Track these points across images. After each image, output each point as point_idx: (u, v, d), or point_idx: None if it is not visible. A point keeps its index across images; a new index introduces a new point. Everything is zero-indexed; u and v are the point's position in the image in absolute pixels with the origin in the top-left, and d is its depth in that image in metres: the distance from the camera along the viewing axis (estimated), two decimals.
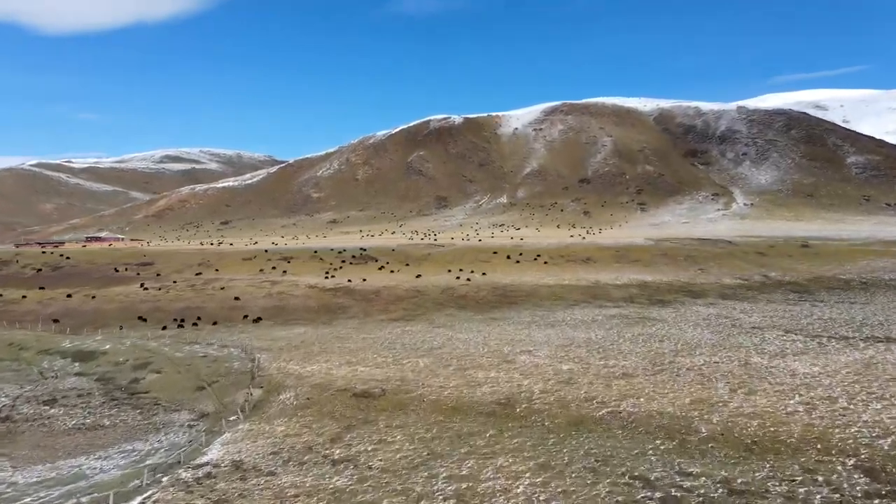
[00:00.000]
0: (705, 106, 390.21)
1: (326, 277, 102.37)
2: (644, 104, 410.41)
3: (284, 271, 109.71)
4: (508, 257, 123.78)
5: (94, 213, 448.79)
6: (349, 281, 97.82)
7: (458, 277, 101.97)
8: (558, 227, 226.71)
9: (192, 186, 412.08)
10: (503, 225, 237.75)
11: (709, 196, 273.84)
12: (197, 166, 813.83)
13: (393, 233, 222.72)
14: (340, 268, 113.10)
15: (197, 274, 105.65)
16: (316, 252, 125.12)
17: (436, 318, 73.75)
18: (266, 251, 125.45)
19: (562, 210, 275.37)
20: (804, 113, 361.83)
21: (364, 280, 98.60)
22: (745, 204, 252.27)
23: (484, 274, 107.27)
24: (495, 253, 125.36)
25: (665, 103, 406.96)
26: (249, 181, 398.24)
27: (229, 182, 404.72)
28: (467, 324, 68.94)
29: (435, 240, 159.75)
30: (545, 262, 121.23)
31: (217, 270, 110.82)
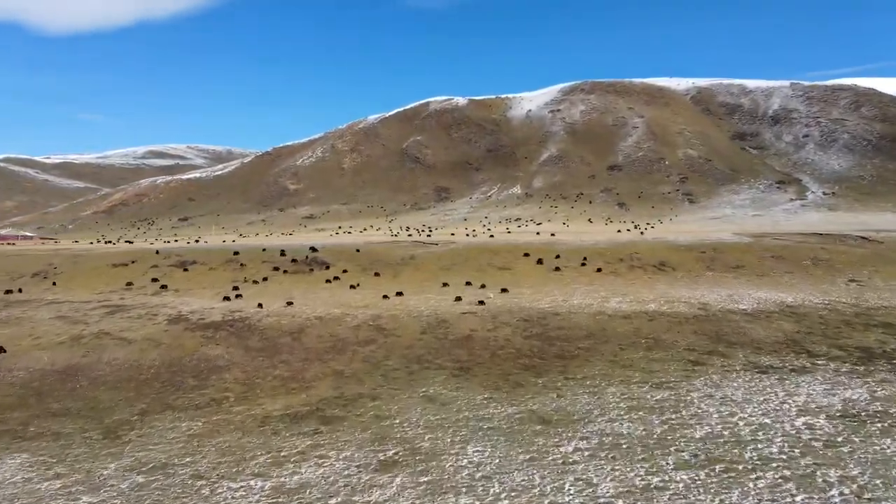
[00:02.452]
0: (751, 83, 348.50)
1: (225, 299, 60.31)
2: (677, 83, 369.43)
3: (164, 286, 67.73)
4: (540, 262, 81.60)
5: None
6: (259, 306, 55.75)
7: (458, 298, 60.20)
8: (590, 221, 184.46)
9: (153, 179, 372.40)
10: (519, 219, 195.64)
11: (772, 184, 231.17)
12: (181, 162, 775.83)
13: (378, 229, 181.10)
14: (264, 280, 71.25)
15: (8, 291, 63.83)
16: (237, 254, 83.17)
17: (398, 415, 31.71)
18: (158, 252, 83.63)
19: (590, 202, 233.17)
20: (872, 88, 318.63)
21: (288, 304, 56.56)
22: (823, 193, 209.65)
23: (504, 291, 65.26)
24: (526, 255, 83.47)
25: (702, 81, 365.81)
26: (220, 172, 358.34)
27: (196, 173, 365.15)
28: (478, 445, 27.13)
29: (428, 236, 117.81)
30: (598, 270, 79.21)
31: (54, 284, 68.98)
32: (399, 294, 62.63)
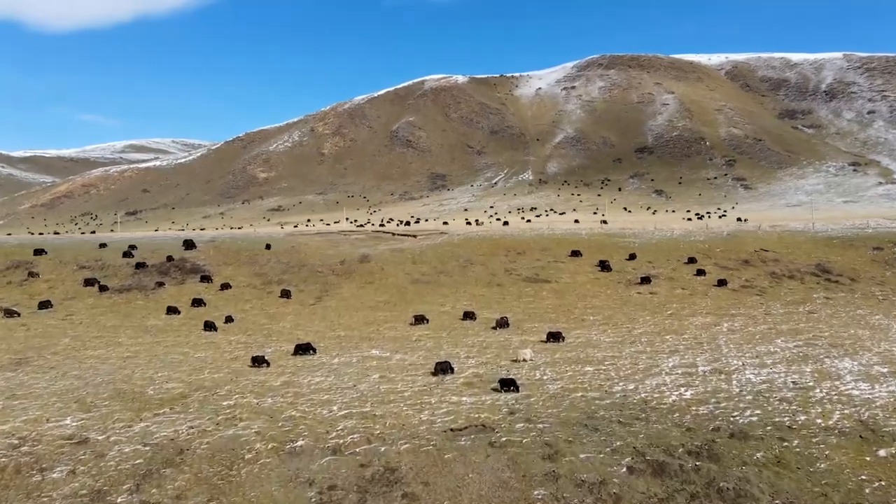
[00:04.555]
0: (795, 56, 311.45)
1: None
2: (708, 58, 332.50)
3: None
4: (604, 266, 44.77)
5: None
6: None
7: (444, 368, 24.15)
8: (627, 210, 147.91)
9: (106, 168, 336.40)
10: (534, 209, 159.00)
11: (844, 167, 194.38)
12: (162, 157, 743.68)
13: (355, 221, 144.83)
14: (43, 306, 34.93)
15: None
16: (41, 254, 46.96)
17: None
18: None
19: (619, 188, 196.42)
20: None
21: None
22: None
23: (553, 339, 29.15)
24: (576, 254, 47.78)
25: (737, 56, 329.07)
26: (183, 160, 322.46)
27: (155, 162, 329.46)
28: None
29: (406, 224, 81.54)
30: (721, 283, 42.61)
31: None
32: (301, 351, 26.12)
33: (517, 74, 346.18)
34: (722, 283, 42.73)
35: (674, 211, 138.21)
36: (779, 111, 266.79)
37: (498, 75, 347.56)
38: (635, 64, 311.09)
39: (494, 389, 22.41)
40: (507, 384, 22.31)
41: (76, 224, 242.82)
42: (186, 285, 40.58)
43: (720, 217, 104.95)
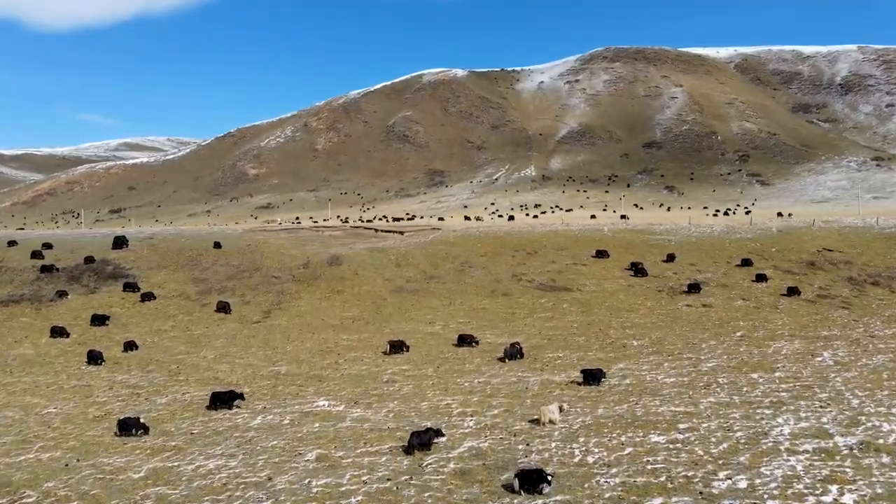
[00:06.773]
0: (807, 49, 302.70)
1: None
2: (716, 51, 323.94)
3: None
4: (638, 270, 35.07)
5: None
6: None
7: (427, 441, 15.20)
8: (637, 206, 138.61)
9: (91, 165, 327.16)
10: (538, 206, 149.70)
11: (865, 162, 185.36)
12: (156, 154, 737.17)
13: (347, 220, 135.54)
14: None
15: None
16: None
17: None
18: None
19: (628, 185, 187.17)
20: None
21: None
22: None
23: (594, 381, 19.01)
24: (601, 254, 38.87)
25: (746, 49, 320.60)
26: (171, 156, 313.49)
27: (143, 158, 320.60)
28: None
29: (395, 220, 72.27)
30: (792, 292, 32.61)
31: None
32: (218, 401, 16.97)
33: (518, 68, 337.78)
34: (793, 291, 33.46)
35: (689, 208, 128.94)
36: (792, 105, 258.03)
37: (499, 69, 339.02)
38: (641, 57, 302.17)
39: (507, 487, 13.13)
40: (531, 481, 12.97)
41: (55, 223, 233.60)
42: (98, 295, 31.22)
43: (745, 213, 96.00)
